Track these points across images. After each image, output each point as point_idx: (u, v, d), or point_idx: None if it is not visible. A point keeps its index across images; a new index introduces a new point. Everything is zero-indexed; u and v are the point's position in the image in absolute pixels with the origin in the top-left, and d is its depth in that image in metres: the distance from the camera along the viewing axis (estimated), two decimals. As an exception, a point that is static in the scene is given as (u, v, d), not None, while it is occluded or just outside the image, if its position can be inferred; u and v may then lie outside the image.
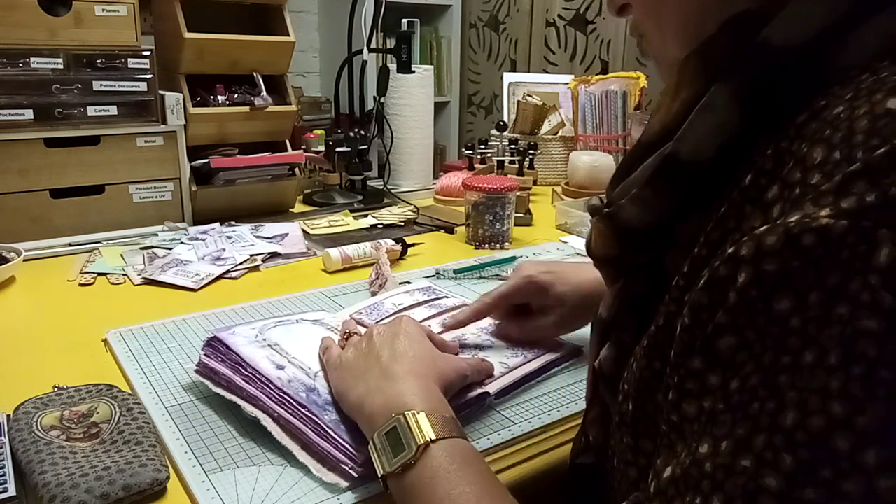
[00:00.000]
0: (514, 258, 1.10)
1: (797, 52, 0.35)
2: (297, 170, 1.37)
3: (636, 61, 2.39)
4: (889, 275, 0.27)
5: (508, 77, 1.87)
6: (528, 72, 2.80)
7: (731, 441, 0.30)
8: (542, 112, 1.70)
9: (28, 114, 1.11)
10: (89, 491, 0.50)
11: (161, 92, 1.22)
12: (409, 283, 0.97)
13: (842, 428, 0.27)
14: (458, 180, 1.44)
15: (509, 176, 1.40)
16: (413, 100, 1.57)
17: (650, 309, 0.40)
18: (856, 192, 0.28)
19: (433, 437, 0.48)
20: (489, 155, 1.58)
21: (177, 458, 0.57)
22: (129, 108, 1.20)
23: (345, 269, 1.05)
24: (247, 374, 0.62)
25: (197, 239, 1.14)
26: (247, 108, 1.31)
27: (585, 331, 0.65)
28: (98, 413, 0.60)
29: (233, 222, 1.25)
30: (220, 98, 1.30)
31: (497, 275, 1.02)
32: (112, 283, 0.98)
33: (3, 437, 0.56)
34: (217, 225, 1.22)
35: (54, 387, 0.65)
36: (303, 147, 1.52)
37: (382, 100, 1.52)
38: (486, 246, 1.17)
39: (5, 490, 0.51)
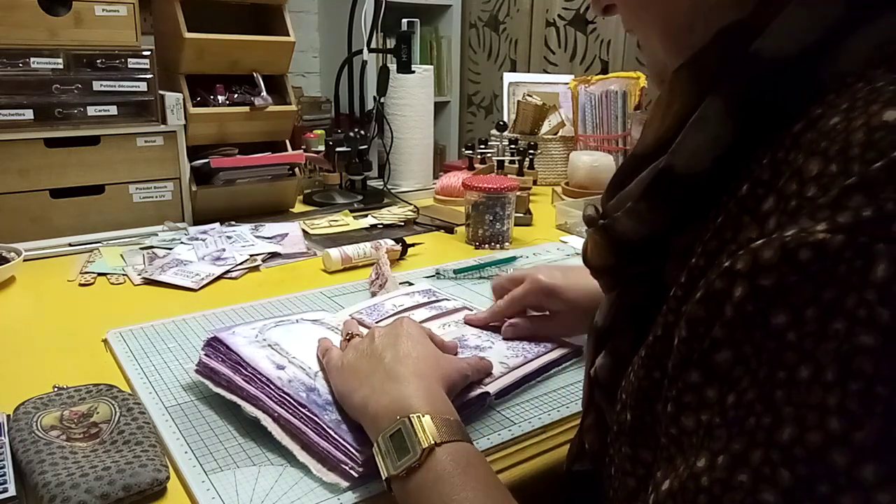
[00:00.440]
0: (514, 258, 1.10)
1: (789, 63, 0.35)
2: (297, 170, 1.37)
3: (636, 61, 2.38)
4: (886, 290, 0.27)
5: (508, 77, 1.87)
6: (528, 72, 2.79)
7: (727, 456, 0.30)
8: (542, 112, 1.70)
9: (28, 114, 1.11)
10: (89, 491, 0.50)
11: (161, 92, 1.22)
12: (409, 283, 0.97)
13: (839, 443, 0.27)
14: (458, 180, 1.44)
15: (509, 176, 1.40)
16: (413, 100, 1.57)
17: (647, 318, 0.40)
18: (852, 207, 0.28)
19: (438, 441, 0.48)
20: (489, 155, 1.58)
21: (177, 458, 0.57)
22: (129, 108, 1.20)
23: (345, 269, 1.05)
24: (247, 373, 0.62)
25: (197, 239, 1.14)
26: (247, 108, 1.31)
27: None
28: (98, 413, 0.60)
29: (233, 222, 1.25)
30: (220, 98, 1.30)
31: (497, 275, 1.02)
32: (112, 283, 0.98)
33: (3, 437, 0.56)
34: (217, 225, 1.22)
35: (54, 387, 0.65)
36: (303, 147, 1.52)
37: (382, 100, 1.52)
38: (486, 246, 1.17)
39: (5, 490, 0.51)
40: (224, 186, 1.29)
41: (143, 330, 0.81)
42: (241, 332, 0.67)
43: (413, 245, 1.12)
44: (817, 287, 0.28)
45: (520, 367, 0.70)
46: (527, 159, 1.52)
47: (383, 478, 0.49)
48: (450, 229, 1.27)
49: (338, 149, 1.44)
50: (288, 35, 1.35)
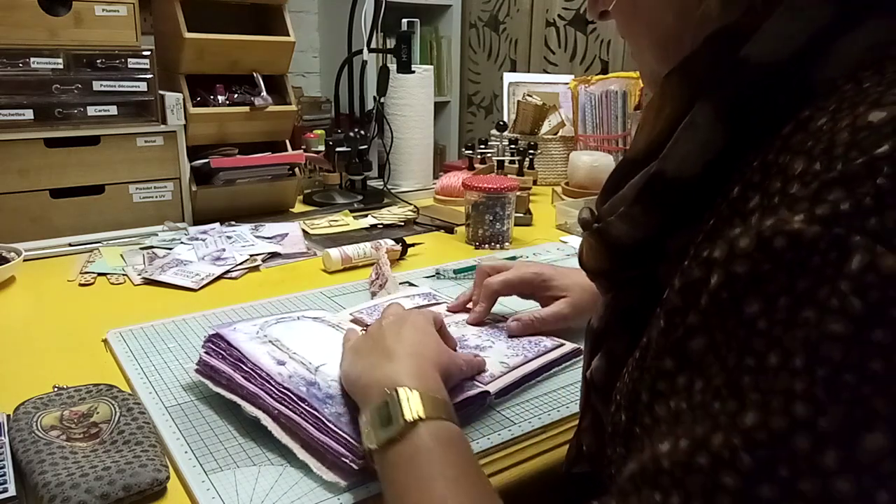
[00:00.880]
0: (514, 258, 1.10)
1: (778, 67, 0.35)
2: (297, 170, 1.37)
3: (636, 61, 2.38)
4: (859, 281, 0.27)
5: (508, 77, 1.87)
6: (528, 72, 2.79)
7: (689, 439, 0.31)
8: (542, 112, 1.70)
9: (28, 114, 1.11)
10: (89, 491, 0.50)
11: (161, 92, 1.22)
12: (409, 283, 0.98)
13: (803, 428, 0.27)
14: (458, 180, 1.44)
15: (509, 176, 1.40)
16: (413, 100, 1.57)
17: (642, 321, 0.40)
18: (831, 200, 0.28)
19: (422, 416, 0.48)
20: (489, 155, 1.58)
21: (177, 458, 0.57)
22: (129, 108, 1.20)
23: (345, 269, 1.05)
24: (247, 370, 0.62)
25: (197, 239, 1.14)
26: (247, 108, 1.31)
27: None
28: (98, 413, 0.60)
29: (233, 222, 1.25)
30: (220, 98, 1.30)
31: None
32: (112, 283, 0.98)
33: (3, 437, 0.56)
34: (217, 225, 1.22)
35: (54, 387, 0.65)
36: (303, 147, 1.52)
37: (382, 100, 1.52)
38: (486, 246, 1.17)
39: (5, 490, 0.51)
40: (224, 186, 1.29)
41: (143, 330, 0.81)
42: (242, 329, 0.67)
43: (413, 245, 1.12)
44: (791, 276, 0.28)
45: (520, 366, 0.70)
46: (527, 159, 1.52)
47: (366, 449, 0.50)
48: (450, 229, 1.27)
49: (338, 149, 1.44)
50: (288, 35, 1.35)
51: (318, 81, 3.09)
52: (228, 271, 1.02)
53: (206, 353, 0.65)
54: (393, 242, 1.09)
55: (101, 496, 0.50)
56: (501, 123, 1.55)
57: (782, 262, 0.29)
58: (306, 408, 0.57)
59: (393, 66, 1.52)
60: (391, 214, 1.33)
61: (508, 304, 0.86)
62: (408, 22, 2.71)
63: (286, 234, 1.19)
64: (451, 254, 1.14)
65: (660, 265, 0.41)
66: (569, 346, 0.75)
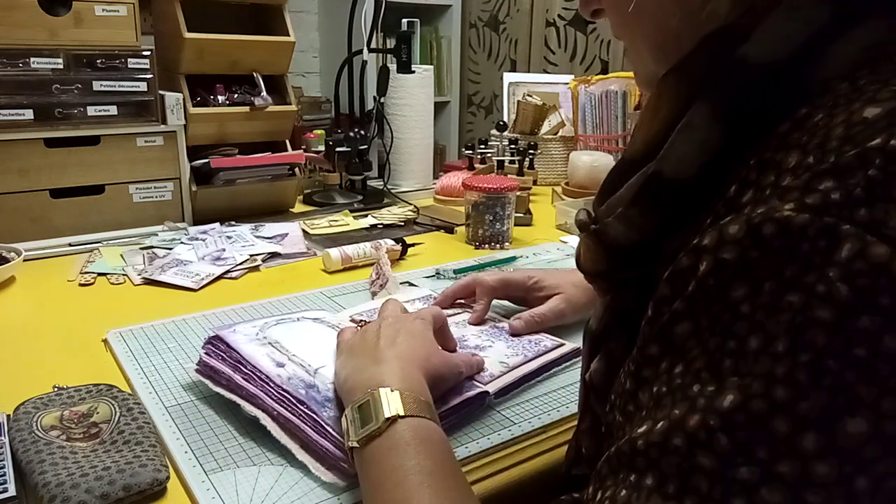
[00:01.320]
0: (514, 258, 1.10)
1: (776, 68, 0.35)
2: (297, 170, 1.37)
3: (636, 61, 2.38)
4: (848, 269, 0.27)
5: (508, 77, 1.87)
6: (528, 72, 2.79)
7: (666, 421, 0.31)
8: (542, 112, 1.70)
9: (28, 114, 1.11)
10: (89, 491, 0.50)
11: (161, 92, 1.22)
12: (409, 283, 0.97)
13: (782, 411, 0.28)
14: (458, 180, 1.44)
15: (509, 176, 1.40)
16: (413, 100, 1.57)
17: (639, 322, 0.40)
18: (821, 190, 0.29)
19: (402, 413, 0.49)
20: (489, 155, 1.58)
21: (177, 458, 0.57)
22: (129, 108, 1.20)
23: (345, 269, 1.05)
24: (246, 371, 0.62)
25: (197, 239, 1.14)
26: (247, 108, 1.31)
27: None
28: (98, 413, 0.60)
29: (233, 222, 1.25)
30: (220, 98, 1.30)
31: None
32: (112, 283, 0.98)
33: (3, 437, 0.56)
34: (217, 225, 1.22)
35: (54, 387, 0.65)
36: (303, 147, 1.52)
37: (382, 100, 1.52)
38: (486, 246, 1.17)
39: (5, 490, 0.51)
40: (224, 186, 1.29)
41: (143, 330, 0.81)
42: (241, 330, 0.67)
43: (413, 245, 1.12)
44: (778, 262, 0.29)
45: (519, 366, 0.70)
46: (527, 159, 1.52)
47: (346, 447, 0.51)
48: (450, 229, 1.27)
49: (338, 149, 1.44)
50: (288, 35, 1.35)
51: (318, 81, 3.09)
52: (228, 271, 1.02)
53: (205, 353, 0.65)
54: (393, 242, 1.09)
55: (101, 496, 0.50)
56: (501, 123, 1.55)
57: (771, 248, 0.29)
58: (305, 410, 0.57)
59: (393, 66, 1.52)
60: (391, 214, 1.33)
61: (505, 307, 0.86)
62: (408, 22, 2.71)
63: (286, 234, 1.19)
64: (451, 254, 1.14)
65: (657, 267, 0.41)
66: (569, 345, 0.75)
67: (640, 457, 0.31)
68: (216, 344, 0.66)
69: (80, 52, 1.14)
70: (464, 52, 3.17)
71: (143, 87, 1.20)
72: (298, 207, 1.43)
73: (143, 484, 0.52)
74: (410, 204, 1.40)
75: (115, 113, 1.18)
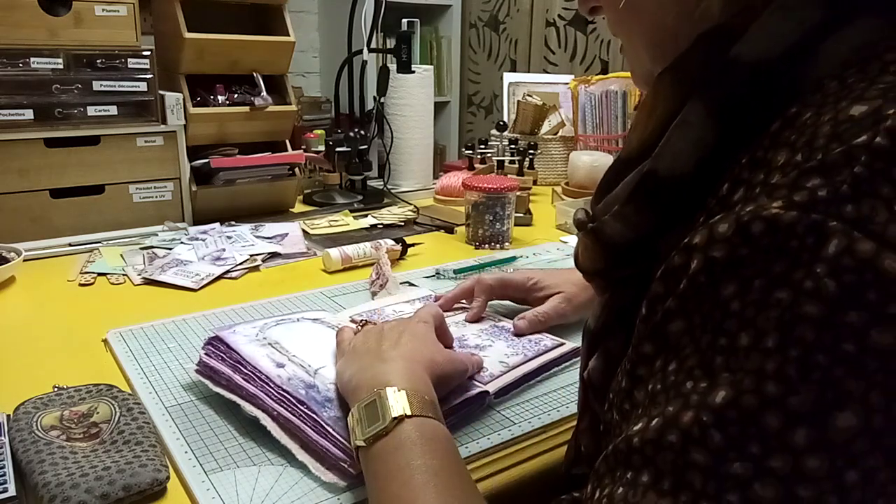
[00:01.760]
0: (514, 258, 1.10)
1: (769, 66, 0.35)
2: (297, 170, 1.37)
3: (636, 61, 2.38)
4: (835, 264, 0.27)
5: (508, 77, 1.87)
6: (528, 72, 2.79)
7: (661, 418, 0.31)
8: (542, 112, 1.70)
9: (28, 114, 1.11)
10: (89, 491, 0.50)
11: (161, 92, 1.22)
12: (409, 283, 0.97)
13: (773, 407, 0.28)
14: (458, 180, 1.44)
15: (509, 176, 1.40)
16: (413, 100, 1.57)
17: (636, 320, 0.40)
18: (809, 187, 0.29)
19: (408, 413, 0.49)
20: (489, 155, 1.58)
21: (177, 458, 0.57)
22: (129, 108, 1.20)
23: (345, 269, 1.05)
24: (246, 372, 0.62)
25: (197, 239, 1.14)
26: (247, 108, 1.31)
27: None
28: (98, 413, 0.60)
29: (233, 222, 1.25)
30: (220, 98, 1.30)
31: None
32: (112, 283, 0.98)
33: (3, 437, 0.56)
34: (217, 225, 1.22)
35: (54, 387, 0.65)
36: (303, 147, 1.52)
37: (382, 100, 1.52)
38: (486, 246, 1.17)
39: (5, 490, 0.51)
40: (224, 186, 1.29)
41: (143, 330, 0.81)
42: (241, 331, 0.67)
43: (413, 245, 1.12)
44: (767, 260, 0.29)
45: (519, 365, 0.70)
46: (527, 159, 1.52)
47: (353, 446, 0.51)
48: (450, 229, 1.27)
49: (338, 149, 1.44)
50: (288, 35, 1.35)
51: (318, 81, 3.09)
52: (228, 271, 1.02)
53: (205, 354, 0.65)
54: (393, 242, 1.09)
55: (101, 496, 0.50)
56: (501, 123, 1.55)
57: (759, 246, 0.29)
58: (305, 410, 0.57)
59: (393, 66, 1.52)
60: (391, 214, 1.33)
61: (506, 306, 0.86)
62: (408, 22, 2.71)
63: (286, 234, 1.19)
64: (451, 254, 1.14)
65: (654, 265, 0.41)
66: (568, 345, 0.75)
67: (636, 454, 0.32)
68: (216, 345, 0.66)
69: (80, 52, 1.14)
70: (464, 52, 3.17)
71: (143, 87, 1.20)
72: (298, 207, 1.43)
73: (143, 484, 0.52)
74: (410, 204, 1.40)
75: (115, 113, 1.18)
